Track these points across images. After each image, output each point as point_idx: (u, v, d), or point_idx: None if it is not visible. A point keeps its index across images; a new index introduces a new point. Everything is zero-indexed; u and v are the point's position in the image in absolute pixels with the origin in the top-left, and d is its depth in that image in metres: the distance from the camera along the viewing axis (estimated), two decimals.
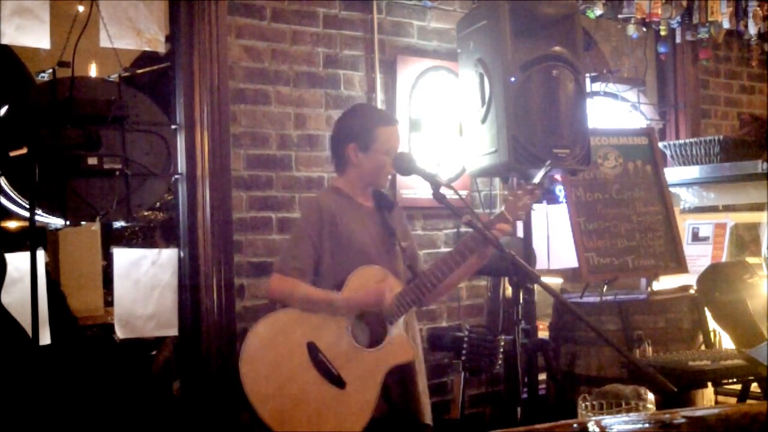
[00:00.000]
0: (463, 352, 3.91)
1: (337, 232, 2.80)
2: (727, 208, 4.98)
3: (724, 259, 4.63)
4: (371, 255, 2.81)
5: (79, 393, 3.92)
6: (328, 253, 2.80)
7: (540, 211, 4.32)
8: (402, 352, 2.76)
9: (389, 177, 2.91)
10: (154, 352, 4.62)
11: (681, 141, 4.98)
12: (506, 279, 4.11)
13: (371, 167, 2.86)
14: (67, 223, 3.52)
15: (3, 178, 3.38)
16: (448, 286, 2.99)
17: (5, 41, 3.36)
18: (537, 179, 2.97)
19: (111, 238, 5.56)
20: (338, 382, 2.70)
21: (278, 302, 2.85)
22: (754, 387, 3.71)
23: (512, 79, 3.41)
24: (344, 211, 2.85)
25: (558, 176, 4.00)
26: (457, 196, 2.74)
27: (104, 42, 3.54)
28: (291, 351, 2.71)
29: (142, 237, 5.65)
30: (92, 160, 3.45)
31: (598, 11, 4.66)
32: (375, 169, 2.86)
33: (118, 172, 3.53)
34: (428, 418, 2.87)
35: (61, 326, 3.92)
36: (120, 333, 3.65)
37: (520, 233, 3.71)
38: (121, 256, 3.70)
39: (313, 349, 2.71)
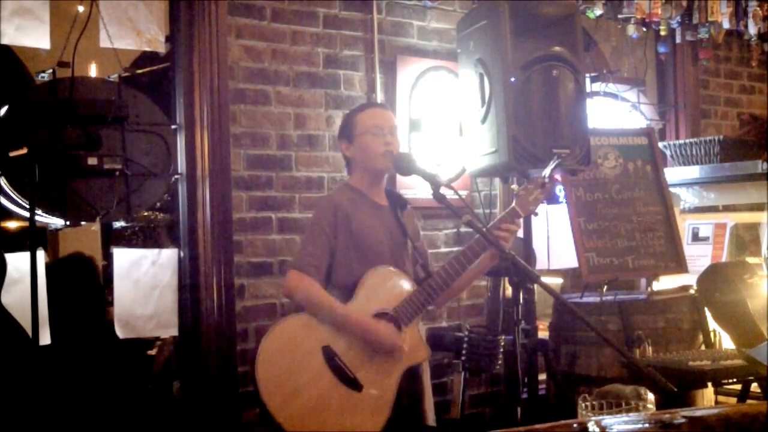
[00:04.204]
0: (463, 352, 3.91)
1: (351, 229, 2.81)
2: (727, 208, 4.98)
3: (724, 259, 4.63)
4: (385, 253, 2.81)
5: (79, 393, 3.92)
6: (343, 250, 2.80)
7: (540, 211, 4.33)
8: (416, 353, 2.76)
9: (386, 153, 2.82)
10: (154, 352, 4.62)
11: (681, 141, 4.98)
12: (506, 279, 4.11)
13: (360, 153, 2.88)
14: (67, 223, 3.52)
15: (3, 178, 3.38)
16: (460, 287, 2.97)
17: (5, 41, 3.35)
18: (547, 172, 2.97)
19: (111, 238, 5.56)
20: (354, 384, 2.69)
21: (294, 300, 2.86)
22: (754, 387, 3.71)
23: (512, 79, 3.41)
24: (358, 207, 2.86)
25: (558, 176, 4.00)
26: (457, 196, 2.74)
27: (104, 42, 3.54)
28: (306, 355, 2.70)
29: (143, 237, 5.65)
30: (92, 160, 3.45)
31: (598, 11, 4.66)
32: (363, 153, 2.87)
33: (118, 172, 3.53)
34: (432, 419, 2.87)
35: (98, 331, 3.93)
36: (120, 333, 3.65)
37: (520, 233, 3.71)
38: (121, 256, 3.70)
39: (328, 353, 2.70)
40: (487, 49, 3.50)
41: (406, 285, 2.77)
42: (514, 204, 2.87)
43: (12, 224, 4.75)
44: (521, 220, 2.89)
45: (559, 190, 4.34)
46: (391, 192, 2.98)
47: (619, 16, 4.80)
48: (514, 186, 3.20)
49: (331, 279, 2.82)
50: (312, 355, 2.69)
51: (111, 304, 3.84)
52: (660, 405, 2.39)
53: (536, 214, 2.96)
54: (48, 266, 3.47)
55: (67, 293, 3.98)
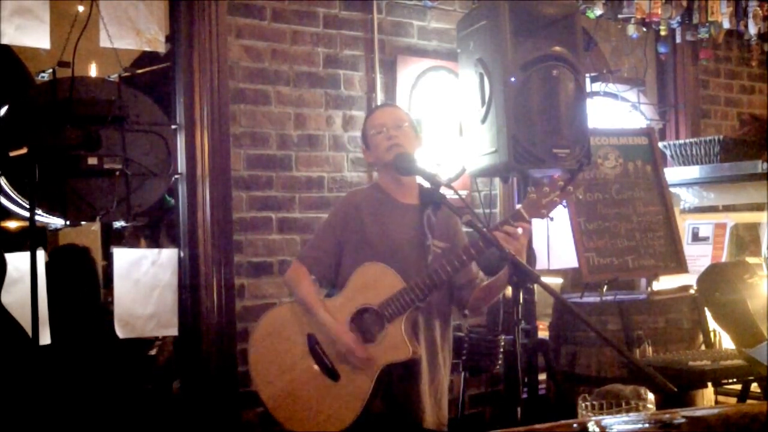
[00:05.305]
0: (463, 352, 3.91)
1: (362, 229, 2.85)
2: (727, 208, 4.99)
3: (724, 259, 4.63)
4: (391, 253, 2.81)
5: (78, 392, 3.92)
6: (351, 247, 2.85)
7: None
8: (397, 351, 2.75)
9: (390, 148, 2.84)
10: (153, 352, 4.62)
11: (681, 141, 4.98)
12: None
13: (375, 154, 2.93)
14: (67, 223, 3.52)
15: (3, 178, 3.37)
16: (482, 297, 2.91)
17: (5, 41, 3.35)
18: (571, 180, 2.88)
19: (111, 238, 5.56)
20: (332, 374, 2.77)
21: (288, 288, 3.04)
22: (754, 387, 3.71)
23: (512, 79, 3.41)
24: (377, 208, 2.89)
25: (556, 176, 3.99)
26: (457, 196, 2.74)
27: (104, 42, 3.54)
28: (293, 341, 2.83)
29: (142, 237, 5.65)
30: (92, 160, 3.46)
31: (598, 11, 4.66)
32: (374, 153, 2.93)
33: (118, 172, 3.53)
34: (432, 422, 2.83)
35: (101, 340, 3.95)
36: (120, 333, 3.65)
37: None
38: (121, 256, 3.70)
39: (312, 341, 2.81)
40: (487, 49, 3.50)
41: (397, 282, 2.76)
42: (520, 206, 2.76)
43: (12, 224, 4.74)
44: (529, 225, 2.72)
45: None
46: (426, 191, 2.91)
47: (619, 16, 4.80)
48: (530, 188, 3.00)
49: (339, 275, 2.87)
50: (297, 340, 2.83)
51: (111, 302, 3.84)
52: (660, 405, 2.39)
53: (551, 219, 2.77)
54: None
55: (63, 285, 3.98)
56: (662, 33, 5.00)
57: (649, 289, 4.17)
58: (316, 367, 2.79)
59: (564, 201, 2.77)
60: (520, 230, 2.70)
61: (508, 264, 2.64)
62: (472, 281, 2.90)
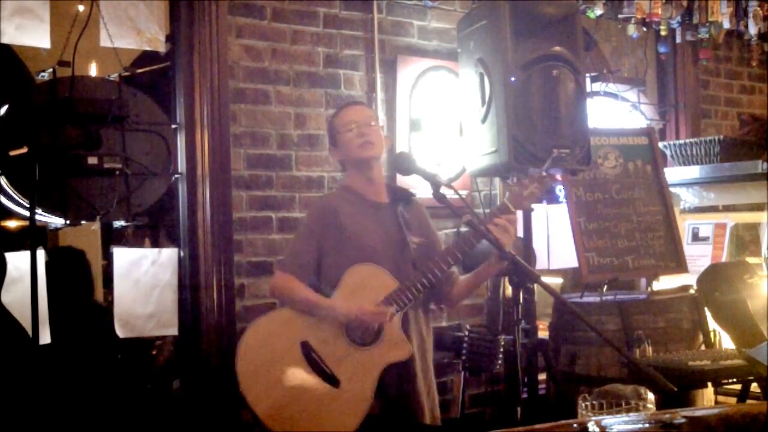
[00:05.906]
0: (463, 352, 3.91)
1: (340, 230, 2.82)
2: (727, 208, 4.98)
3: (724, 259, 4.63)
4: (375, 252, 2.81)
5: (78, 392, 3.92)
6: (331, 251, 2.82)
7: (540, 211, 4.32)
8: (396, 351, 2.75)
9: (363, 145, 2.86)
10: (154, 352, 4.62)
11: (681, 141, 4.98)
12: (506, 279, 4.11)
13: (344, 151, 2.93)
14: (67, 222, 3.52)
15: (3, 177, 3.38)
16: (467, 287, 2.94)
17: (5, 41, 3.35)
18: (545, 166, 2.95)
19: (111, 238, 5.56)
20: (332, 380, 2.72)
21: (278, 299, 2.94)
22: (754, 387, 3.71)
23: (512, 78, 3.41)
24: (351, 208, 2.87)
25: (558, 176, 4.00)
26: (457, 196, 2.74)
27: (104, 42, 3.54)
28: (285, 349, 2.75)
29: (142, 237, 5.64)
30: (92, 160, 3.45)
31: (598, 11, 4.66)
32: (346, 149, 2.91)
33: (118, 172, 3.53)
34: (429, 417, 2.85)
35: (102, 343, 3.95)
36: (120, 332, 3.65)
37: (519, 233, 3.71)
38: (121, 255, 3.70)
39: (306, 348, 2.74)
40: (488, 48, 3.50)
41: (388, 283, 2.76)
42: (505, 198, 2.84)
43: (12, 223, 4.74)
44: (516, 216, 2.80)
45: (559, 190, 4.34)
46: (393, 188, 2.97)
47: (620, 16, 4.80)
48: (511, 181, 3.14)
49: (322, 279, 2.84)
50: (290, 349, 2.74)
51: (111, 302, 3.84)
52: (660, 405, 2.39)
53: (532, 209, 2.90)
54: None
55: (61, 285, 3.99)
56: (662, 33, 5.00)
57: (649, 289, 4.17)
58: (314, 374, 2.73)
59: (544, 193, 2.86)
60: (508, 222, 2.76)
61: (508, 263, 2.65)
62: (450, 276, 2.91)
